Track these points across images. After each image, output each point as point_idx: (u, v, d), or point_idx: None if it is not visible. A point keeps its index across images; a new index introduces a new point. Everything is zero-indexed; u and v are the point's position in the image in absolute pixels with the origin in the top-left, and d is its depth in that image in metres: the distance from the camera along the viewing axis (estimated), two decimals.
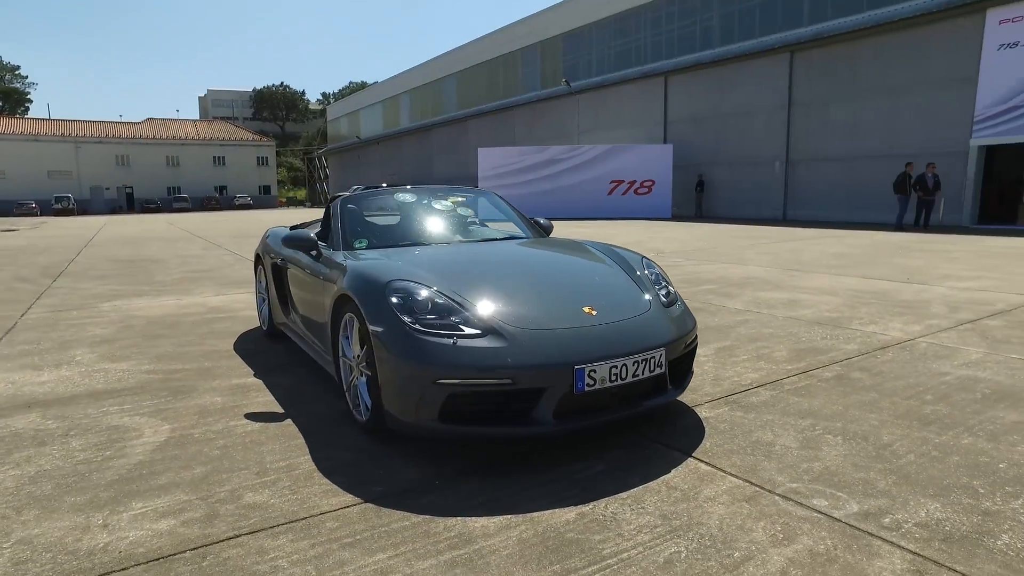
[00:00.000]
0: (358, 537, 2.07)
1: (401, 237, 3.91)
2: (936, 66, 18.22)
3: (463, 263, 3.34)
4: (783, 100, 22.38)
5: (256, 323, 5.49)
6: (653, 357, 2.71)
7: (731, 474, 2.53)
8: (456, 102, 41.82)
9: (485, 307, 2.68)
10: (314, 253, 3.63)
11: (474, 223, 4.29)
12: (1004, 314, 5.55)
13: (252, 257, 7.82)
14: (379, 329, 2.62)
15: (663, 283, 3.33)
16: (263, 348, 4.63)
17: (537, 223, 4.44)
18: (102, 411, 3.26)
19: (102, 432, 2.97)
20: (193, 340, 4.89)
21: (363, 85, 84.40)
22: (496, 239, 4.05)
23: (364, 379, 2.89)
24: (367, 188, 4.24)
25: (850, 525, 2.15)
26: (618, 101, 29.31)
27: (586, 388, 2.52)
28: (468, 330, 2.56)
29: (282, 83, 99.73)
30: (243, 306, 6.36)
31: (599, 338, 2.64)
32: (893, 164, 19.03)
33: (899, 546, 2.02)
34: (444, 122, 42.68)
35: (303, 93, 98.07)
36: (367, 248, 3.61)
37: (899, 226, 16.79)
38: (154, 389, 3.65)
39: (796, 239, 13.80)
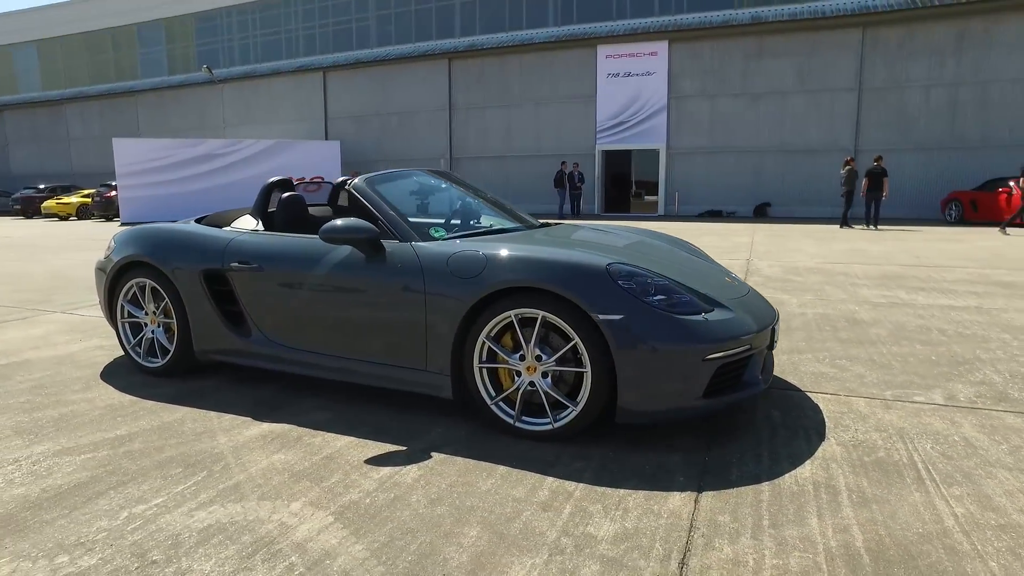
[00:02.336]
0: (763, 515, 2.02)
1: (467, 224, 3.42)
2: (567, 84, 22.35)
3: (605, 246, 3.15)
4: (444, 102, 24.36)
5: (102, 360, 3.90)
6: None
7: (848, 396, 3.16)
8: (41, 79, 33.10)
9: (687, 284, 2.71)
10: (370, 249, 2.91)
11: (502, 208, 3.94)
12: (753, 275, 7.56)
13: None
14: (616, 317, 2.42)
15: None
16: (196, 390, 3.40)
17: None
18: (137, 520, 2.09)
19: (209, 541, 1.96)
20: (47, 402, 3.27)
21: None
22: (561, 223, 3.88)
23: (548, 381, 2.59)
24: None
25: (957, 406, 2.99)
26: (271, 94, 27.54)
27: (775, 345, 2.82)
28: (701, 305, 2.58)
29: None
30: (18, 345, 4.35)
31: (760, 304, 2.95)
32: (540, 163, 22.72)
33: (1001, 410, 2.93)
34: (26, 103, 33.36)
35: None
36: (448, 238, 3.06)
37: (560, 215, 20.21)
38: (148, 469, 2.45)
39: None
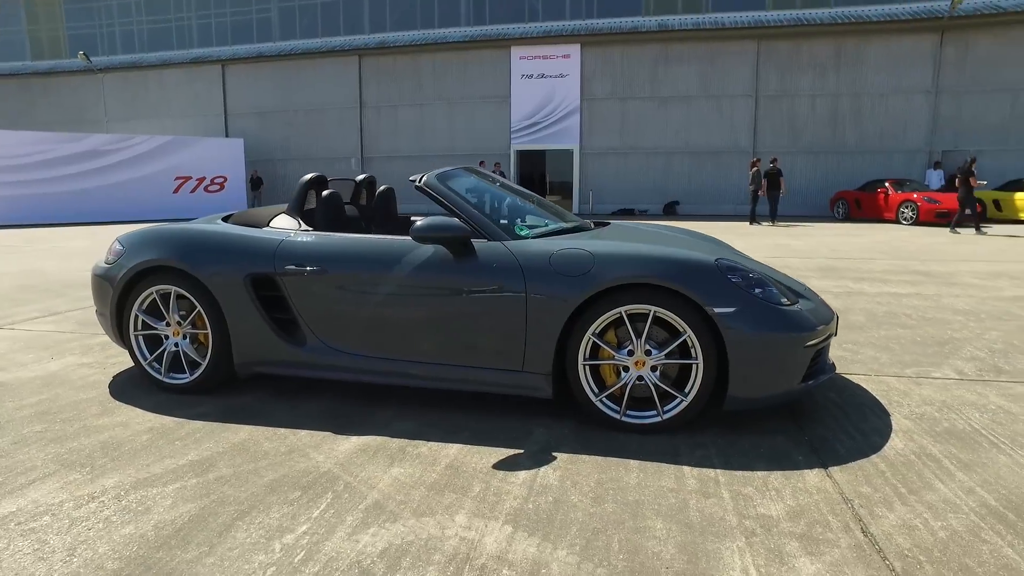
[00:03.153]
0: (896, 484, 2.22)
1: (538, 221, 3.40)
2: (481, 84, 22.43)
3: (671, 240, 3.23)
4: (354, 100, 23.66)
5: (98, 379, 3.51)
6: None
7: (877, 376, 3.50)
8: None
9: (773, 277, 2.89)
10: (460, 248, 2.86)
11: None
12: None
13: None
14: (730, 310, 2.54)
15: None
16: (240, 407, 3.13)
17: None
18: (298, 551, 1.93)
19: (399, 565, 1.86)
20: (71, 430, 2.90)
21: None
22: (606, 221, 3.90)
23: (657, 375, 2.67)
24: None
25: (971, 380, 3.39)
26: (162, 87, 25.50)
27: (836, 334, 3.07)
28: (792, 296, 2.76)
29: None
30: None
31: (817, 296, 3.20)
32: (454, 163, 22.55)
33: (1005, 381, 3.36)
34: None
35: None
36: (533, 236, 3.04)
37: None
38: (262, 495, 2.27)
39: None
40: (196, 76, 24.94)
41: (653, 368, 2.68)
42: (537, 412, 2.99)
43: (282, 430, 2.86)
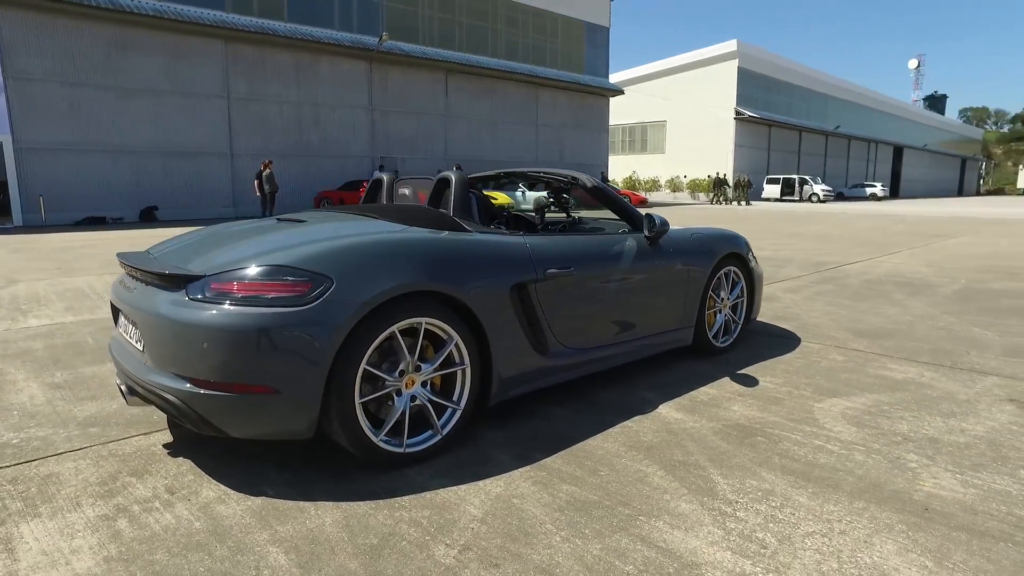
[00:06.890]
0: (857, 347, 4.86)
1: None
2: None
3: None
4: None
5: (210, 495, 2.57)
6: None
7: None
8: None
9: None
10: (657, 239, 3.74)
11: None
12: None
13: None
14: (753, 263, 4.56)
15: None
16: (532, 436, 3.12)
17: None
18: None
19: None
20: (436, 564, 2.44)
21: None
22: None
23: (729, 312, 4.49)
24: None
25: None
26: None
27: None
28: None
29: None
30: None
31: None
32: None
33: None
34: None
35: None
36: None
37: None
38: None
39: None
40: None
41: (734, 308, 4.48)
42: (639, 371, 4.27)
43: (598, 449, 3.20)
